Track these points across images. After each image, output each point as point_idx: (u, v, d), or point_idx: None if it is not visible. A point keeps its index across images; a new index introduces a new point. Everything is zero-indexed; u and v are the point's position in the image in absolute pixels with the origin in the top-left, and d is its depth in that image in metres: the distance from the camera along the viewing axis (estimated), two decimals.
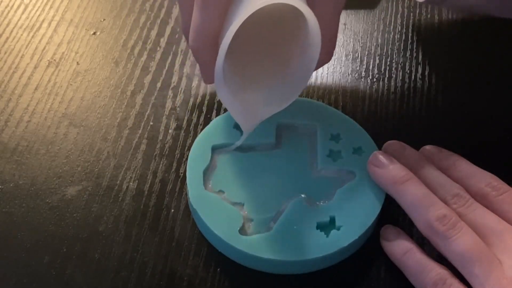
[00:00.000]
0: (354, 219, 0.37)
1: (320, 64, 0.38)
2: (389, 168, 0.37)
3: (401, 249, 0.36)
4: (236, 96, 0.37)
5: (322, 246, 0.36)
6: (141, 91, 0.46)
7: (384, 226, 0.38)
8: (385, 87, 0.47)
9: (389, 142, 0.40)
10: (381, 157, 0.38)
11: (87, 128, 0.44)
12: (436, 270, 0.34)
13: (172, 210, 0.39)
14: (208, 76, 0.36)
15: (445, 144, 0.40)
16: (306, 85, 0.36)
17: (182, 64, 0.48)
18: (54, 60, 0.48)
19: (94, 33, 0.50)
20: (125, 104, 0.45)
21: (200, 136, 0.41)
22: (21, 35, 0.50)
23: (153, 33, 0.50)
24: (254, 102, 0.38)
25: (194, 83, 0.46)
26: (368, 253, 0.38)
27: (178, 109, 0.45)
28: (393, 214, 0.39)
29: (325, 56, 0.38)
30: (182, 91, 0.46)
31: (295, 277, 0.37)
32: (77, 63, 0.48)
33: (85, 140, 0.43)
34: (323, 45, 0.34)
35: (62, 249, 0.37)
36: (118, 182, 0.41)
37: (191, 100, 0.45)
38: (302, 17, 0.34)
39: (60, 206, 0.39)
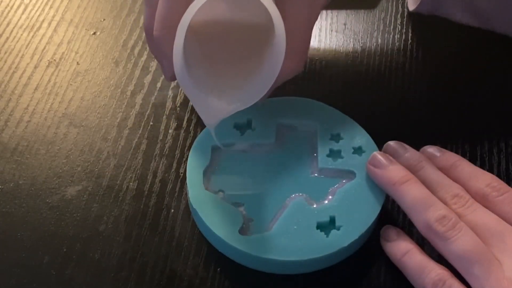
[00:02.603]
0: (354, 219, 0.37)
1: (291, 72, 0.38)
2: (388, 169, 0.37)
3: (401, 249, 0.36)
4: (200, 90, 0.36)
5: (322, 246, 0.36)
6: (141, 91, 0.46)
7: (384, 226, 0.38)
8: (385, 87, 0.47)
9: (389, 142, 0.40)
10: (380, 158, 0.38)
11: (87, 128, 0.44)
12: (436, 271, 0.34)
13: (172, 210, 0.39)
14: (170, 67, 0.36)
15: (446, 144, 0.40)
16: (270, 86, 0.35)
17: None
18: (54, 60, 0.48)
19: (94, 33, 0.50)
20: (125, 104, 0.45)
21: (200, 136, 0.41)
22: (21, 35, 0.50)
23: None
24: (218, 99, 0.37)
25: None
26: (368, 253, 0.38)
27: (178, 109, 0.45)
28: (393, 214, 0.39)
29: (297, 63, 0.38)
30: (182, 91, 0.46)
31: (295, 277, 0.37)
32: (77, 63, 0.48)
33: (85, 140, 0.43)
34: (295, 53, 0.35)
35: (62, 249, 0.37)
36: (118, 182, 0.41)
37: None
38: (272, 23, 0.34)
39: (60, 206, 0.39)
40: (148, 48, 0.49)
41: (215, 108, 0.37)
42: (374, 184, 0.38)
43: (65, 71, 0.47)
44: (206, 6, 0.32)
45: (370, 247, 0.38)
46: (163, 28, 0.35)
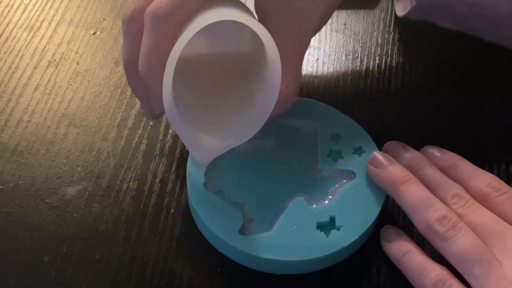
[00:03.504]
0: (354, 219, 0.37)
1: (286, 102, 0.37)
2: (388, 169, 0.37)
3: (401, 250, 0.36)
4: (190, 127, 0.35)
5: (322, 246, 0.36)
6: None
7: (384, 226, 0.38)
8: (385, 87, 0.47)
9: (389, 142, 0.40)
10: (380, 158, 0.38)
11: (87, 128, 0.44)
12: (436, 271, 0.34)
13: (172, 210, 0.39)
14: (158, 105, 0.34)
15: (446, 144, 0.40)
16: (265, 120, 0.34)
17: None
18: (54, 60, 0.48)
19: (94, 33, 0.50)
20: (125, 104, 0.45)
21: None
22: (21, 35, 0.50)
23: None
24: (210, 136, 0.36)
25: None
26: (368, 253, 0.38)
27: None
28: (393, 214, 0.39)
29: (291, 94, 0.37)
30: None
31: (295, 277, 0.37)
32: (77, 63, 0.48)
33: (85, 140, 0.43)
34: (288, 83, 0.34)
35: (62, 249, 0.37)
36: (118, 182, 0.41)
37: None
38: (264, 55, 0.33)
39: (60, 206, 0.39)
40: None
41: (208, 146, 0.36)
42: (374, 184, 0.38)
43: (65, 71, 0.47)
44: (189, 40, 0.31)
45: (370, 247, 0.38)
46: (150, 63, 0.33)
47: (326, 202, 0.38)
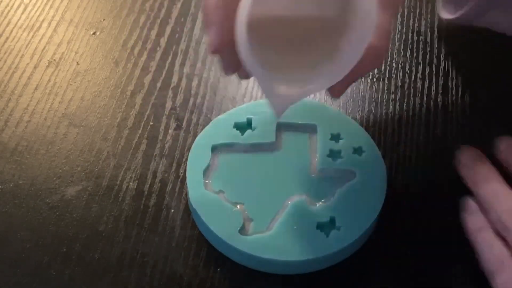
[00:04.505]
0: (354, 219, 0.37)
1: (375, 59, 0.33)
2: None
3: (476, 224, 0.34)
4: (268, 72, 0.32)
5: (322, 246, 0.36)
6: (141, 91, 0.46)
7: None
8: (385, 87, 0.47)
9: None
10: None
11: (87, 128, 0.44)
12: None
13: (172, 210, 0.39)
14: (223, 40, 0.31)
15: (446, 144, 0.40)
16: (351, 67, 0.31)
17: (182, 64, 0.48)
18: (54, 60, 0.48)
19: (94, 33, 0.50)
20: (125, 104, 0.45)
21: (200, 136, 0.41)
22: (21, 35, 0.50)
23: (153, 33, 0.50)
24: (288, 82, 0.33)
25: (194, 83, 0.46)
26: (368, 253, 0.38)
27: (178, 109, 0.45)
28: (393, 214, 0.39)
29: (383, 46, 0.33)
30: (182, 91, 0.46)
31: (295, 277, 0.37)
32: (77, 63, 0.48)
33: (85, 140, 0.43)
34: (381, 32, 0.31)
35: (62, 249, 0.37)
36: (118, 182, 0.41)
37: (191, 100, 0.45)
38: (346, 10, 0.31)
39: (60, 206, 0.39)
40: (147, 48, 0.48)
41: (284, 92, 0.33)
42: (374, 184, 0.38)
43: (65, 71, 0.47)
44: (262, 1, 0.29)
45: (370, 247, 0.38)
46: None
47: (326, 202, 0.38)
